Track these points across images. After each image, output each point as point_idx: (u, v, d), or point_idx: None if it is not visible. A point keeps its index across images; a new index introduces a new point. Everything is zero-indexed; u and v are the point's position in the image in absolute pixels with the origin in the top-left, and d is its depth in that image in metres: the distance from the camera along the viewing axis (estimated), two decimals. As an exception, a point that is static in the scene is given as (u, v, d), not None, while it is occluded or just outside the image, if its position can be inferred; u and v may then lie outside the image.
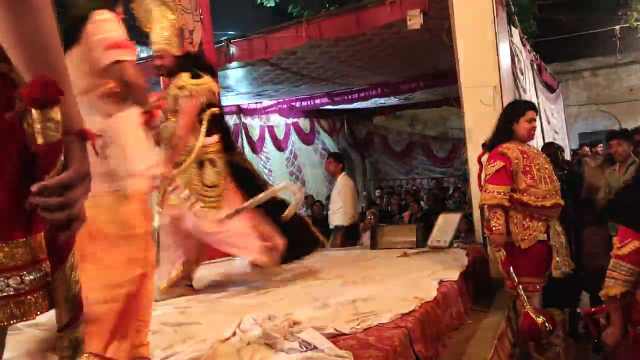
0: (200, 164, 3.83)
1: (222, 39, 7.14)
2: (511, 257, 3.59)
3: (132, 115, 2.18)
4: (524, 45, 7.05)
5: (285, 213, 3.75)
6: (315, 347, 2.33)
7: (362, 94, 10.69)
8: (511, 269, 3.57)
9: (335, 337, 2.50)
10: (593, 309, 3.05)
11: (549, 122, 8.66)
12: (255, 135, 11.47)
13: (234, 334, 2.60)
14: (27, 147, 0.99)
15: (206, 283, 4.28)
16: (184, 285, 3.97)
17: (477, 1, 5.00)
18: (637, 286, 2.75)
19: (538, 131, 5.89)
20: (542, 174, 3.64)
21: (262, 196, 3.68)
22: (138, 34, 3.60)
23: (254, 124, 11.49)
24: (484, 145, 3.92)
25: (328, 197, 10.63)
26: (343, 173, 6.75)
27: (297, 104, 11.26)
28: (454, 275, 3.87)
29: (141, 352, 2.18)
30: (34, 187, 0.91)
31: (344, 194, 6.54)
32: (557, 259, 3.64)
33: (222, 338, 2.57)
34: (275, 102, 11.13)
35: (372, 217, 7.25)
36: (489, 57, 4.93)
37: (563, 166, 5.93)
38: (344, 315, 2.87)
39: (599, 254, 3.16)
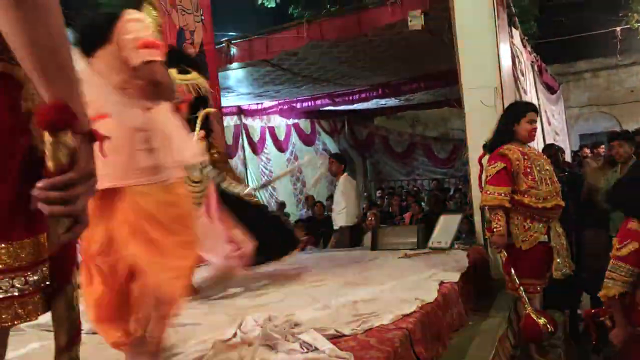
0: None
1: (223, 39, 7.15)
2: (512, 259, 3.59)
3: (166, 108, 2.25)
4: (524, 46, 7.05)
5: (312, 183, 3.71)
6: (316, 349, 2.33)
7: (363, 95, 10.69)
8: (512, 271, 3.58)
9: (336, 338, 2.50)
10: (593, 310, 3.06)
11: (549, 124, 8.66)
12: (256, 136, 11.48)
13: (235, 334, 2.60)
14: (32, 148, 0.99)
15: (207, 284, 4.28)
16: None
17: (478, 2, 5.00)
18: (637, 287, 2.76)
19: (539, 132, 5.89)
20: (543, 175, 3.64)
21: (287, 170, 3.64)
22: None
23: (255, 125, 11.50)
24: (484, 146, 3.92)
25: (328, 198, 10.66)
26: (345, 173, 6.74)
27: (298, 105, 11.26)
28: (454, 276, 3.87)
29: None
30: (38, 184, 0.91)
31: (347, 194, 6.54)
32: (558, 260, 3.64)
33: (223, 339, 2.57)
34: (276, 102, 11.14)
35: (372, 218, 7.24)
36: (489, 58, 4.94)
37: (564, 167, 5.93)
38: (344, 317, 2.87)
39: (599, 256, 3.16)
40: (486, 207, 3.78)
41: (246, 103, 10.86)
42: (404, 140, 14.43)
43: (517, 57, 6.11)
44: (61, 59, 0.94)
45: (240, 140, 10.94)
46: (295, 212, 11.91)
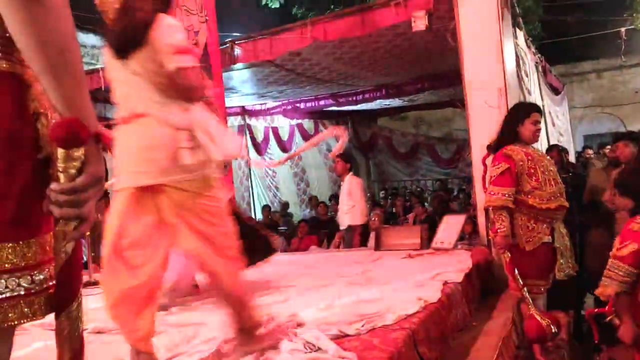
0: None
1: (226, 40, 7.15)
2: (516, 259, 3.59)
3: (201, 105, 2.35)
4: (528, 47, 7.04)
5: (331, 153, 3.67)
6: (319, 349, 2.34)
7: (366, 95, 10.68)
8: (516, 271, 3.57)
9: (339, 338, 2.51)
10: (596, 310, 3.06)
11: (553, 124, 8.64)
12: (260, 136, 11.49)
13: (239, 334, 2.61)
14: (40, 148, 1.00)
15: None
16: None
17: (483, 3, 5.00)
18: (638, 287, 2.77)
19: (543, 133, 5.89)
20: (547, 176, 3.63)
21: (317, 139, 3.58)
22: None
23: (258, 125, 11.51)
24: (488, 147, 3.92)
25: (331, 198, 10.66)
26: (351, 173, 6.74)
27: (302, 105, 11.25)
28: (458, 276, 3.87)
29: None
30: (51, 187, 0.93)
31: (355, 193, 6.53)
32: (561, 261, 3.64)
33: (226, 338, 2.57)
34: (280, 103, 11.14)
35: (376, 218, 7.24)
36: (493, 59, 4.93)
37: (568, 168, 5.92)
38: (348, 317, 2.87)
39: (603, 256, 3.16)
40: (490, 208, 3.77)
41: (250, 103, 10.87)
42: (407, 140, 14.41)
43: (522, 57, 6.10)
44: (69, 60, 0.95)
45: (244, 140, 10.94)
46: (298, 212, 11.92)
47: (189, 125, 2.17)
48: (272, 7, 15.46)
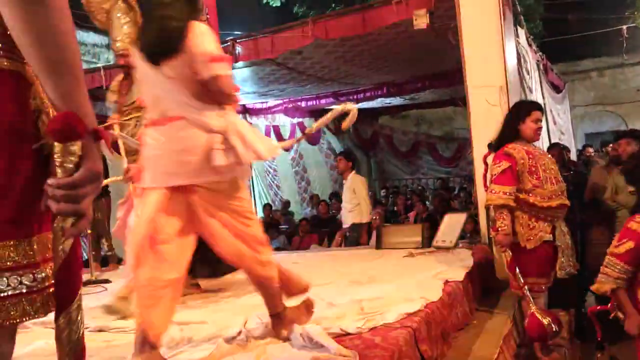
0: None
1: (228, 38, 7.14)
2: (517, 258, 3.59)
3: (233, 110, 2.43)
4: (530, 45, 7.03)
5: (343, 125, 3.67)
6: (321, 347, 2.34)
7: (367, 94, 10.68)
8: (517, 270, 3.57)
9: (340, 337, 2.51)
10: (599, 308, 3.06)
11: (555, 123, 8.63)
12: (261, 135, 11.47)
13: (240, 332, 2.61)
14: (41, 146, 1.00)
15: (212, 282, 4.29)
16: (190, 284, 3.97)
17: (484, 1, 4.99)
18: (637, 285, 2.78)
19: (544, 131, 5.88)
20: (548, 174, 3.63)
21: (328, 116, 3.58)
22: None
23: (260, 124, 11.49)
24: (489, 145, 3.92)
25: (331, 197, 10.65)
26: (353, 171, 6.73)
27: (303, 104, 11.25)
28: (459, 275, 3.87)
29: None
30: (48, 182, 0.93)
31: (359, 191, 6.53)
32: (562, 259, 3.64)
33: (227, 337, 2.58)
34: (281, 101, 11.13)
35: (377, 217, 7.24)
36: (495, 57, 4.92)
37: (569, 167, 5.92)
38: (349, 315, 2.88)
39: (605, 255, 3.17)
40: (491, 206, 3.78)
41: (251, 102, 10.86)
42: (408, 139, 14.40)
43: (523, 56, 6.09)
44: (69, 58, 0.95)
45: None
46: (299, 210, 11.92)
47: (223, 128, 2.23)
48: (273, 5, 15.46)
